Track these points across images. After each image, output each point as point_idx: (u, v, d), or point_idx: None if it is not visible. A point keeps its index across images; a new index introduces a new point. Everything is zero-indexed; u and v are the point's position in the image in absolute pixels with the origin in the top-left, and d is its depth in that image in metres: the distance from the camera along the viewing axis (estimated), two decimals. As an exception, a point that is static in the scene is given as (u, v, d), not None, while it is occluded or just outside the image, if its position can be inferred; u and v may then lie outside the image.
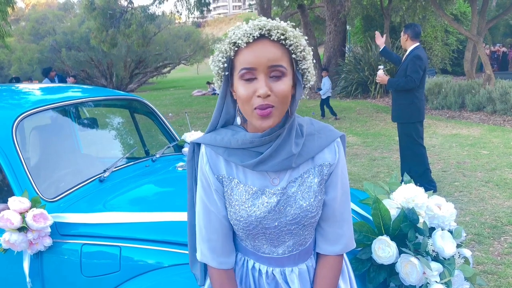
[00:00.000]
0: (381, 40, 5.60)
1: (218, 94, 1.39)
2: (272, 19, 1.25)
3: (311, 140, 1.35)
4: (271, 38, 1.21)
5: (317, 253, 1.47)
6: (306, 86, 1.32)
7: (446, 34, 21.05)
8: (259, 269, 1.43)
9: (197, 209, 1.41)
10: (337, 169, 1.38)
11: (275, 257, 1.41)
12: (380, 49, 5.68)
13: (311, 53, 1.29)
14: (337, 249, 1.42)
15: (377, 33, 5.71)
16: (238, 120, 1.36)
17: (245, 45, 1.21)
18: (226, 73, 1.28)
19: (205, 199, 1.38)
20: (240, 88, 1.24)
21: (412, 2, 15.49)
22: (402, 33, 5.36)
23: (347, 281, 1.55)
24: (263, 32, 1.21)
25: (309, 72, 1.29)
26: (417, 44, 5.25)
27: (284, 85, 1.22)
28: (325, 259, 1.44)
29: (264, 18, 1.23)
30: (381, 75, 5.38)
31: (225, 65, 1.27)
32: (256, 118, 1.23)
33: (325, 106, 11.89)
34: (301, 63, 1.27)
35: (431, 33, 20.02)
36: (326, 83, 11.81)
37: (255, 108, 1.22)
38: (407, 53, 5.27)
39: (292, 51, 1.24)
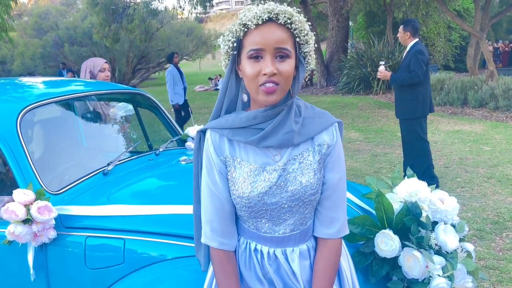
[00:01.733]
0: (384, 73, 5.40)
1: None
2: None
3: (311, 122, 1.43)
4: (278, 22, 1.31)
5: (317, 237, 1.52)
6: (307, 68, 1.41)
7: (449, 30, 20.99)
8: (261, 251, 1.48)
9: (202, 192, 1.48)
10: (334, 151, 1.45)
11: (277, 236, 1.46)
12: (389, 81, 5.40)
13: (313, 38, 1.39)
14: (331, 232, 1.48)
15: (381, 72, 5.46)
16: (245, 97, 1.44)
17: (254, 26, 1.30)
18: (234, 52, 1.37)
19: (209, 182, 1.45)
20: (248, 67, 1.32)
21: (415, -2, 15.43)
22: (401, 30, 5.28)
23: (347, 263, 1.61)
24: (271, 16, 1.30)
25: (310, 55, 1.39)
26: (417, 39, 5.26)
27: (288, 66, 1.32)
28: (324, 243, 1.49)
29: (272, 3, 1.32)
30: (383, 71, 5.36)
31: (234, 44, 1.35)
32: (262, 94, 1.32)
33: None
34: (303, 47, 1.37)
35: (434, 29, 19.95)
36: None
37: (260, 85, 1.31)
38: (407, 49, 5.26)
39: (297, 35, 1.34)
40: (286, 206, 1.41)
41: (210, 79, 24.31)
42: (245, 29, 1.32)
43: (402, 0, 16.04)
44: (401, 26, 5.30)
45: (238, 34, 1.33)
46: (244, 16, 1.31)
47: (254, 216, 1.44)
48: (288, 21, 1.30)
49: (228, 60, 1.40)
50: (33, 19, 31.80)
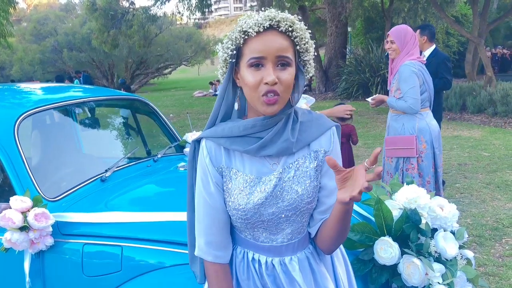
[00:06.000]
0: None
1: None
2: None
3: (308, 126, 1.40)
4: (279, 29, 1.28)
5: (314, 242, 1.49)
6: (307, 77, 1.38)
7: (447, 36, 21.05)
8: (259, 260, 1.44)
9: (196, 203, 1.43)
10: (332, 156, 1.40)
11: (275, 245, 1.43)
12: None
13: (313, 46, 1.36)
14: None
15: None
16: (236, 105, 1.40)
17: (254, 34, 1.27)
18: (233, 60, 1.33)
19: (204, 193, 1.40)
20: (248, 76, 1.28)
21: (413, 4, 15.53)
22: (417, 34, 4.74)
23: (347, 269, 1.59)
24: (272, 23, 1.27)
25: (309, 64, 1.37)
26: (434, 46, 5.08)
27: (289, 74, 1.29)
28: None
29: (273, 10, 1.28)
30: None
31: (234, 52, 1.31)
32: (262, 104, 1.29)
33: None
34: (303, 55, 1.34)
35: (432, 35, 20.02)
36: None
37: (262, 95, 1.27)
38: (427, 55, 4.97)
39: (297, 43, 1.31)
40: (283, 216, 1.38)
41: (211, 83, 24.34)
42: (245, 37, 1.28)
43: (401, 6, 16.14)
44: (418, 30, 4.95)
45: (238, 42, 1.29)
46: (245, 23, 1.27)
47: (251, 227, 1.41)
48: (290, 28, 1.28)
49: (226, 68, 1.36)
50: (32, 25, 31.89)
